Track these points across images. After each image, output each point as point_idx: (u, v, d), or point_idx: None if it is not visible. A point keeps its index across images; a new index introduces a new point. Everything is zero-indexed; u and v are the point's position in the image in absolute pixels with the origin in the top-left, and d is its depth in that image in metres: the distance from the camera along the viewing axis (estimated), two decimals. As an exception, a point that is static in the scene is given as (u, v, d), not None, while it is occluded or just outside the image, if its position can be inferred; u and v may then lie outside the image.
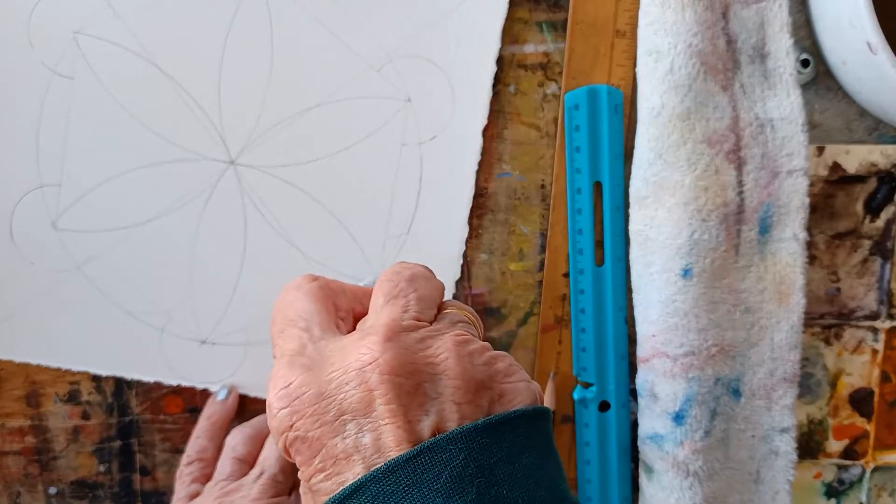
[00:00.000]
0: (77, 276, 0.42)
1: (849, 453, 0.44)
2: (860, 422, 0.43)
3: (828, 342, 0.43)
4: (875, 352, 0.43)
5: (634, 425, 0.43)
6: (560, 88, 0.41)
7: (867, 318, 0.43)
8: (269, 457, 0.40)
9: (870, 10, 0.35)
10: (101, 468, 0.44)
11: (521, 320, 0.43)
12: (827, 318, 0.43)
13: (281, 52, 0.41)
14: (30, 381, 0.43)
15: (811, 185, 0.40)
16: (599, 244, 0.42)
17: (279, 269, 0.42)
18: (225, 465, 0.40)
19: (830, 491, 0.44)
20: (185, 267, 0.42)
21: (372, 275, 0.42)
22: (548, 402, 0.43)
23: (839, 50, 0.39)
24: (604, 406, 0.43)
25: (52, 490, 0.44)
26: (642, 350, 0.41)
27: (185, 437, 0.43)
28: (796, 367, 0.40)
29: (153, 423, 0.44)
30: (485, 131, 0.41)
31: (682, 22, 0.38)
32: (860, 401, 0.43)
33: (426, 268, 0.31)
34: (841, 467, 0.44)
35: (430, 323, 0.28)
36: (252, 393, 0.43)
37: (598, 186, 0.42)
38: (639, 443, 0.42)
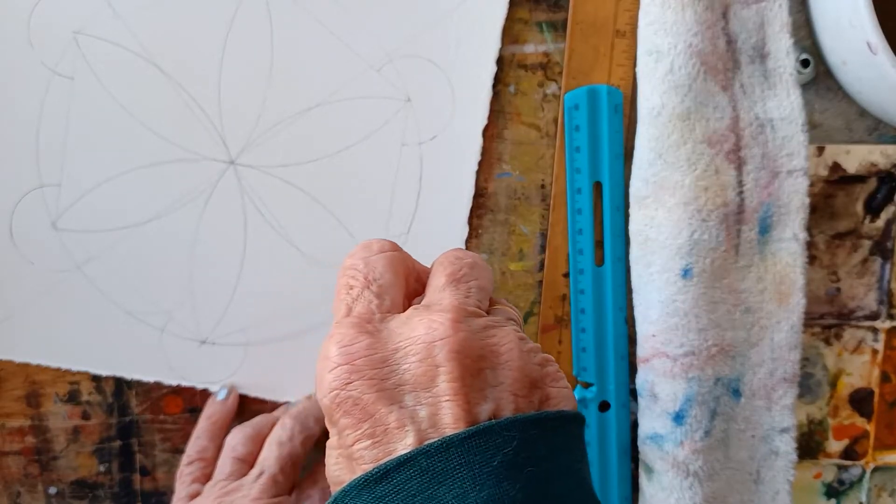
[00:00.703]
0: (77, 276, 0.42)
1: (849, 453, 0.44)
2: (860, 422, 0.43)
3: (828, 342, 0.43)
4: (875, 352, 0.43)
5: (634, 425, 0.43)
6: (560, 88, 0.41)
7: (867, 318, 0.43)
8: (268, 457, 0.40)
9: (870, 10, 0.35)
10: (101, 468, 0.44)
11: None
12: (827, 318, 0.43)
13: (281, 52, 0.41)
14: (30, 381, 0.43)
15: (811, 185, 0.40)
16: (599, 244, 0.42)
17: (279, 269, 0.42)
18: (225, 464, 0.40)
19: (830, 491, 0.44)
20: (185, 267, 0.42)
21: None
22: (548, 402, 0.43)
23: (839, 50, 0.39)
24: (604, 406, 0.43)
25: (52, 490, 0.44)
26: (642, 350, 0.41)
27: (185, 437, 0.43)
28: (796, 367, 0.40)
29: (153, 423, 0.44)
30: (485, 131, 0.41)
31: (682, 22, 0.38)
32: (860, 401, 0.43)
33: (481, 258, 0.31)
34: (841, 467, 0.44)
35: (487, 313, 0.29)
36: (252, 393, 0.43)
37: (598, 186, 0.42)
38: (639, 443, 0.42)
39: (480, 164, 0.42)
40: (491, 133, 0.42)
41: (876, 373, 0.43)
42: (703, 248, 0.39)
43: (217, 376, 0.43)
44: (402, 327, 0.26)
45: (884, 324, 0.43)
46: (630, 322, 0.42)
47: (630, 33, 0.40)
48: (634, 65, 0.41)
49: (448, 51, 0.41)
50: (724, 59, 0.39)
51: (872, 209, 0.42)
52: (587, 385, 0.43)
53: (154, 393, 0.43)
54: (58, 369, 0.43)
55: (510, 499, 0.23)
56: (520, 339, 0.27)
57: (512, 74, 0.41)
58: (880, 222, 0.42)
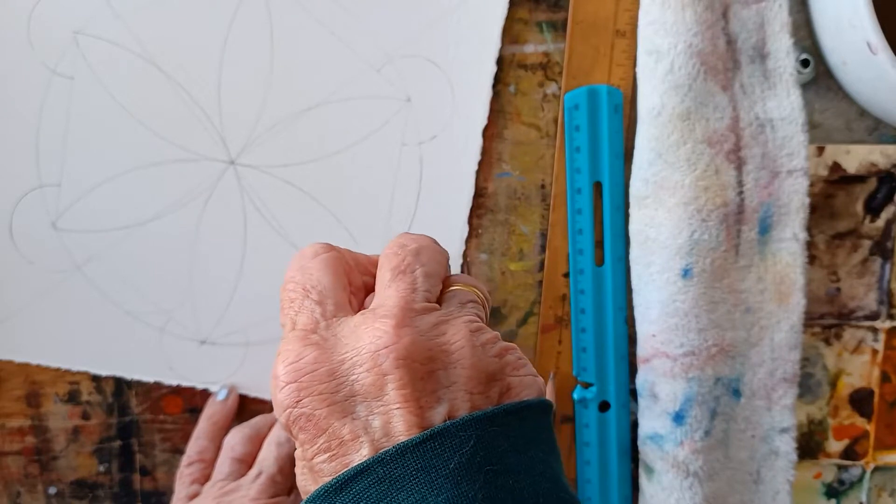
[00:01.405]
0: (77, 276, 0.42)
1: (849, 453, 0.44)
2: (860, 422, 0.43)
3: (828, 342, 0.43)
4: (875, 352, 0.43)
5: (634, 425, 0.43)
6: (560, 88, 0.41)
7: (867, 318, 0.43)
8: (267, 457, 0.40)
9: (870, 10, 0.35)
10: (101, 468, 0.44)
11: (521, 320, 0.43)
12: (827, 318, 0.43)
13: (281, 53, 0.41)
14: (30, 381, 0.43)
15: (811, 185, 0.40)
16: (599, 244, 0.42)
17: (279, 269, 0.42)
18: (223, 465, 0.40)
19: (830, 491, 0.44)
20: (185, 267, 0.42)
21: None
22: (548, 402, 0.43)
23: (839, 50, 0.39)
24: (604, 406, 0.43)
25: (52, 490, 0.44)
26: (642, 350, 0.41)
27: (185, 437, 0.43)
28: (796, 367, 0.40)
29: (153, 423, 0.44)
30: (485, 131, 0.41)
31: (682, 22, 0.38)
32: (860, 401, 0.43)
33: (431, 238, 0.30)
34: (841, 467, 0.44)
35: (439, 300, 0.28)
36: (252, 393, 0.43)
37: (598, 186, 0.42)
38: (639, 443, 0.42)
39: (480, 164, 0.42)
40: (491, 133, 0.42)
41: (876, 373, 0.43)
42: (703, 248, 0.39)
43: (217, 376, 0.43)
44: (349, 336, 0.26)
45: (884, 324, 0.43)
46: (630, 322, 0.42)
47: (630, 33, 0.40)
48: (634, 65, 0.41)
49: (448, 51, 0.41)
50: (724, 59, 0.39)
51: (872, 209, 0.42)
52: (587, 385, 0.43)
53: (154, 393, 0.43)
54: (58, 369, 0.43)
55: (469, 500, 0.23)
56: (472, 333, 0.27)
57: (512, 74, 0.41)
58: (880, 222, 0.42)
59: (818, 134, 0.42)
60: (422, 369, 0.25)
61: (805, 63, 0.41)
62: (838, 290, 0.43)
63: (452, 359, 0.26)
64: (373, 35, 0.40)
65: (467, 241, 0.42)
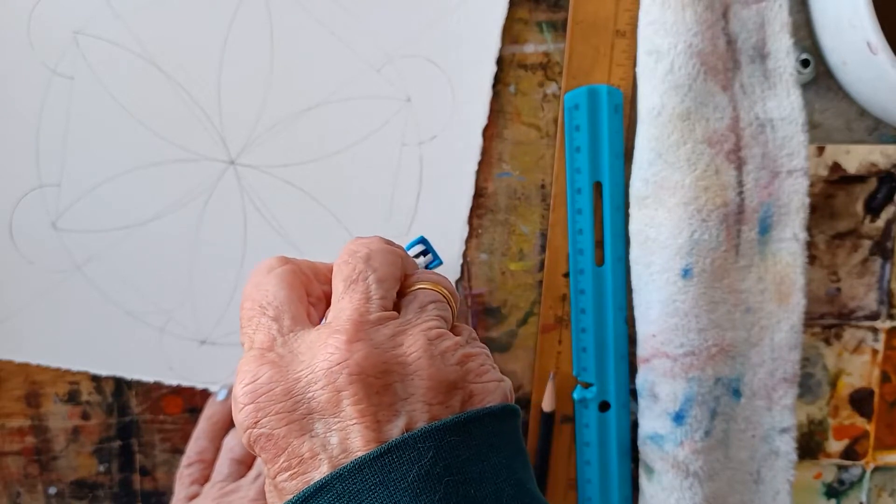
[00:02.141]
0: (77, 276, 0.42)
1: (849, 453, 0.44)
2: (860, 422, 0.43)
3: (828, 342, 0.43)
4: (875, 352, 0.43)
5: (634, 425, 0.43)
6: (560, 88, 0.41)
7: (867, 318, 0.43)
8: (267, 457, 0.40)
9: (870, 10, 0.35)
10: (101, 468, 0.44)
11: (521, 320, 0.43)
12: (827, 318, 0.43)
13: (281, 53, 0.40)
14: (30, 381, 0.43)
15: (811, 185, 0.40)
16: (599, 244, 0.42)
17: (279, 269, 0.42)
18: (223, 466, 0.40)
19: (830, 491, 0.44)
20: (185, 267, 0.42)
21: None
22: (548, 402, 0.43)
23: (839, 50, 0.39)
24: (604, 406, 0.43)
25: (52, 490, 0.44)
26: (642, 350, 0.41)
27: (185, 437, 0.43)
28: (796, 367, 0.40)
29: (153, 423, 0.44)
30: (485, 131, 0.41)
31: (682, 22, 0.38)
32: (860, 401, 0.43)
33: (382, 239, 0.30)
34: (841, 467, 0.44)
35: (397, 304, 0.28)
36: (252, 393, 0.43)
37: (598, 186, 0.42)
38: (639, 443, 0.42)
39: (480, 163, 0.42)
40: (491, 133, 0.42)
41: (876, 373, 0.43)
42: (703, 248, 0.39)
43: (217, 376, 0.43)
44: (305, 353, 0.26)
45: (884, 324, 0.43)
46: (630, 322, 0.42)
47: (630, 33, 0.40)
48: (634, 65, 0.41)
49: (448, 51, 0.41)
50: (724, 59, 0.39)
51: (872, 209, 0.42)
52: (587, 385, 0.43)
53: (154, 393, 0.43)
54: (58, 369, 0.43)
55: None
56: (430, 342, 0.26)
57: (512, 74, 0.41)
58: (880, 222, 0.42)
59: (818, 134, 0.42)
60: (377, 383, 0.25)
61: (805, 63, 0.41)
62: (838, 290, 0.43)
63: (409, 370, 0.25)
64: (373, 35, 0.40)
65: (467, 241, 0.42)
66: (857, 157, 0.41)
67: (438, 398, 0.25)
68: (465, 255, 0.42)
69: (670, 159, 0.39)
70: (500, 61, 0.41)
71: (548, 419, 0.43)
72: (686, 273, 0.39)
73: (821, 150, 0.41)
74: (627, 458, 0.43)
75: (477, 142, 0.41)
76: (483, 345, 0.29)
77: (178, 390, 0.43)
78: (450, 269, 0.42)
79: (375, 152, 0.41)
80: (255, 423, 0.25)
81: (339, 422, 0.25)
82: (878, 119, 0.41)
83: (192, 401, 0.43)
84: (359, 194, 0.42)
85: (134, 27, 0.40)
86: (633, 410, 0.43)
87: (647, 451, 0.42)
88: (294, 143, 0.41)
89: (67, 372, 0.43)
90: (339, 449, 0.24)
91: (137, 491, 0.44)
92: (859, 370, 0.43)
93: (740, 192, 0.39)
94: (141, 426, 0.44)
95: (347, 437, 0.24)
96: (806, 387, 0.43)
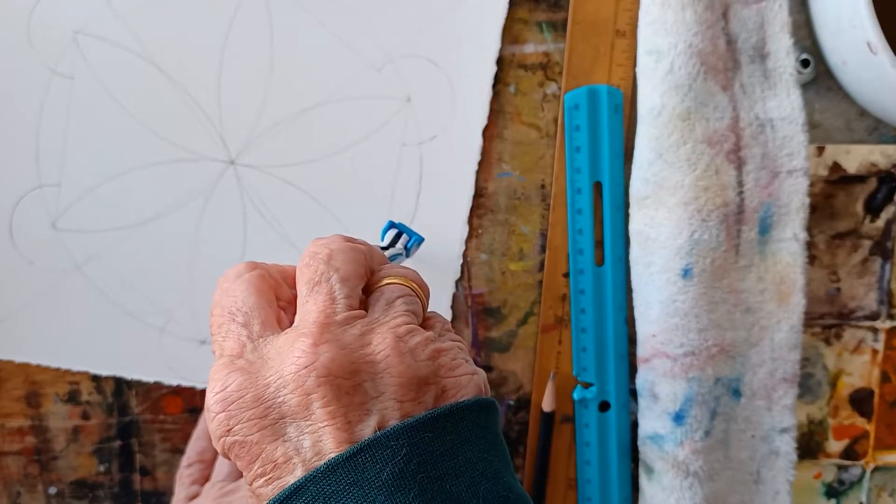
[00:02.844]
0: (77, 276, 0.42)
1: (849, 453, 0.44)
2: (860, 422, 0.43)
3: (828, 342, 0.43)
4: (875, 352, 0.43)
5: (634, 425, 0.43)
6: (560, 88, 0.41)
7: (867, 318, 0.43)
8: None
9: (870, 10, 0.35)
10: (101, 468, 0.44)
11: (521, 320, 0.43)
12: (827, 318, 0.43)
13: (281, 52, 0.41)
14: (30, 381, 0.43)
15: (811, 185, 0.40)
16: (599, 244, 0.42)
17: (279, 269, 0.42)
18: (223, 466, 0.40)
19: (830, 491, 0.44)
20: (185, 267, 0.42)
21: None
22: (548, 401, 0.43)
23: (839, 50, 0.39)
24: (604, 406, 0.43)
25: (52, 490, 0.44)
26: (642, 350, 0.41)
27: (185, 437, 0.43)
28: (796, 367, 0.40)
29: (153, 423, 0.44)
30: (485, 131, 0.41)
31: (683, 22, 0.38)
32: (860, 401, 0.43)
33: (343, 237, 0.29)
34: (841, 467, 0.44)
35: (364, 301, 0.28)
36: (252, 393, 0.43)
37: (598, 186, 0.42)
38: (639, 443, 0.42)
39: (480, 163, 0.42)
40: (491, 133, 0.42)
41: (876, 373, 0.43)
42: (703, 248, 0.39)
43: (217, 376, 0.43)
44: (274, 358, 0.26)
45: (884, 324, 0.43)
46: (630, 322, 0.42)
47: (630, 33, 0.40)
48: (634, 65, 0.41)
49: (448, 51, 0.41)
50: (724, 59, 0.39)
51: (872, 209, 0.42)
52: (587, 385, 0.43)
53: (154, 393, 0.43)
54: (58, 369, 0.43)
55: None
56: (399, 339, 0.26)
57: (512, 74, 0.41)
58: (880, 222, 0.42)
59: (818, 134, 0.42)
60: (346, 384, 0.25)
61: (805, 63, 0.41)
62: (838, 290, 0.43)
63: (378, 368, 0.25)
64: (373, 35, 0.40)
65: (467, 241, 0.42)
66: (857, 157, 0.41)
67: (410, 395, 0.25)
68: (465, 255, 0.42)
69: (670, 159, 0.39)
70: (500, 61, 0.41)
71: (548, 419, 0.43)
72: (686, 273, 0.39)
73: (821, 150, 0.41)
74: (627, 458, 0.43)
75: (477, 142, 0.41)
76: (457, 337, 0.28)
77: (178, 390, 0.43)
78: (450, 269, 0.42)
79: (375, 152, 0.41)
80: (228, 430, 0.25)
81: (310, 425, 0.25)
82: (878, 119, 0.41)
83: (192, 401, 0.43)
84: (359, 194, 0.42)
85: (134, 27, 0.40)
86: (633, 410, 0.43)
87: (646, 451, 0.42)
88: (294, 143, 0.41)
89: (67, 372, 0.43)
90: (311, 452, 0.24)
91: (137, 491, 0.44)
92: (859, 370, 0.43)
93: (740, 192, 0.39)
94: (141, 426, 0.44)
95: (320, 440, 0.24)
96: (806, 387, 0.43)
